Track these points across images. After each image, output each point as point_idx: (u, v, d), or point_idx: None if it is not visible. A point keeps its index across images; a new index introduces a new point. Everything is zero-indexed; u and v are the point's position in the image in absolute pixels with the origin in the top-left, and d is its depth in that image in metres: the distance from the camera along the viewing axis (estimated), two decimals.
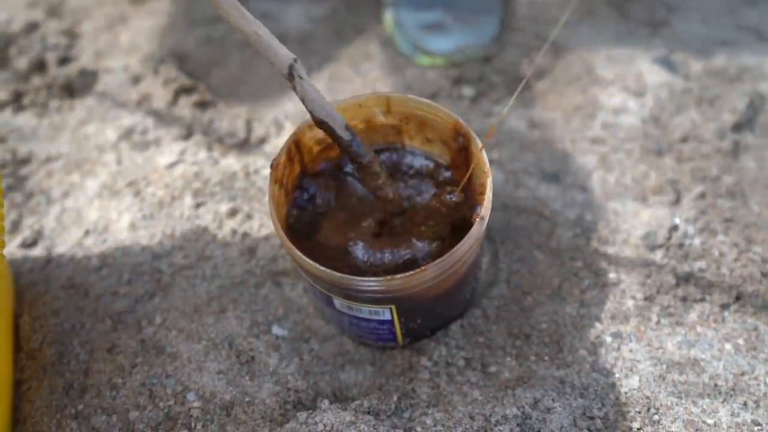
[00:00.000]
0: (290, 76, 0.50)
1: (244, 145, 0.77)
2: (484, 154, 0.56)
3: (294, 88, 0.51)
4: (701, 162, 0.72)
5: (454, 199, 0.57)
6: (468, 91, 0.81)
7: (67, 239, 0.70)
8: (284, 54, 0.49)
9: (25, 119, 0.81)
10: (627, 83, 0.79)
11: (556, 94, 0.80)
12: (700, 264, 0.64)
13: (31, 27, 0.89)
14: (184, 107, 0.80)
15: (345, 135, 0.53)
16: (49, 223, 0.72)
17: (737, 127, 0.74)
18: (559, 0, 0.89)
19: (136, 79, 0.84)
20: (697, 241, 0.66)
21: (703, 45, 0.83)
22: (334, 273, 0.51)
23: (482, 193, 0.57)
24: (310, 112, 0.52)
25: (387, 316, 0.56)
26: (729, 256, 0.64)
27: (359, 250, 0.58)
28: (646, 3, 0.88)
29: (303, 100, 0.51)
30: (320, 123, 0.52)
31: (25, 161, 0.77)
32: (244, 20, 0.48)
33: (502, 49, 0.84)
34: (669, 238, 0.66)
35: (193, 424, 0.55)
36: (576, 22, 0.87)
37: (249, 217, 0.70)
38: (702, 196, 0.69)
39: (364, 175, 0.56)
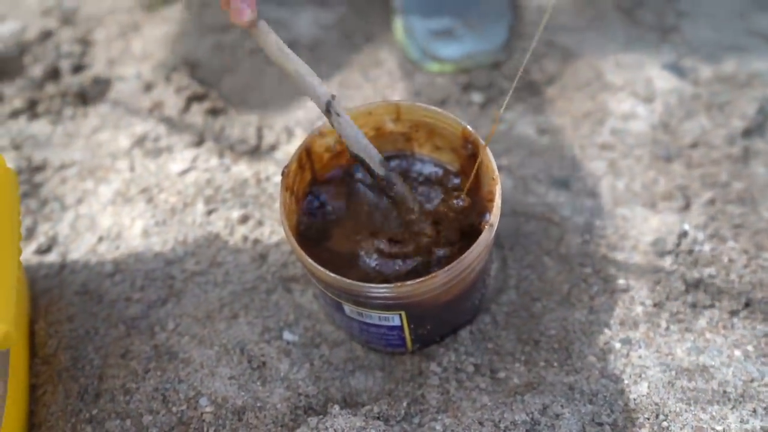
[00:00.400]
0: (328, 112, 0.52)
1: (255, 152, 0.78)
2: (493, 161, 0.56)
3: (332, 124, 0.53)
4: (711, 168, 0.72)
5: (461, 203, 0.57)
6: (477, 97, 0.82)
7: (80, 245, 0.71)
8: (323, 92, 0.51)
9: (40, 127, 0.82)
10: (636, 89, 0.79)
11: (565, 100, 0.80)
12: (710, 270, 0.64)
13: (46, 35, 0.90)
14: (196, 114, 0.81)
15: (380, 171, 0.55)
16: (63, 230, 0.73)
17: (747, 133, 0.75)
18: (567, 6, 0.90)
19: (148, 87, 0.85)
20: (706, 248, 0.66)
21: (713, 50, 0.83)
22: (344, 280, 0.52)
23: (491, 200, 0.58)
24: (347, 147, 0.54)
25: (396, 322, 0.57)
26: (738, 262, 0.64)
27: (369, 257, 0.58)
28: (656, 8, 0.88)
29: (340, 135, 0.53)
30: (356, 157, 0.54)
31: (39, 168, 0.78)
32: (287, 59, 0.50)
33: (511, 55, 0.84)
34: (678, 245, 0.66)
35: (205, 429, 0.56)
36: (585, 28, 0.87)
37: (260, 223, 0.71)
38: (711, 202, 0.69)
39: (399, 208, 0.57)
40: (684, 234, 0.67)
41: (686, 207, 0.69)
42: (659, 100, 0.78)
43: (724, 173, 0.71)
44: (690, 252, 0.66)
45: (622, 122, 0.77)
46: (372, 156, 0.55)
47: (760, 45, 0.83)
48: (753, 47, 0.83)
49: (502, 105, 0.55)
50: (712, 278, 0.64)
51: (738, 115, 0.76)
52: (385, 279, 0.57)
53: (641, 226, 0.68)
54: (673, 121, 0.76)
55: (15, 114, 0.83)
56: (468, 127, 0.58)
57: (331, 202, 0.62)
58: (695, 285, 0.64)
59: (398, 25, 0.88)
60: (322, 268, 0.53)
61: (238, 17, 0.47)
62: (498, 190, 0.55)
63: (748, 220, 0.67)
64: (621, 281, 0.65)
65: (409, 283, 0.52)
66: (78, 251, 0.71)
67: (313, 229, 0.61)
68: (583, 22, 0.88)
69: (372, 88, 0.84)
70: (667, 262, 0.65)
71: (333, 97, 0.52)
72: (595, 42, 0.85)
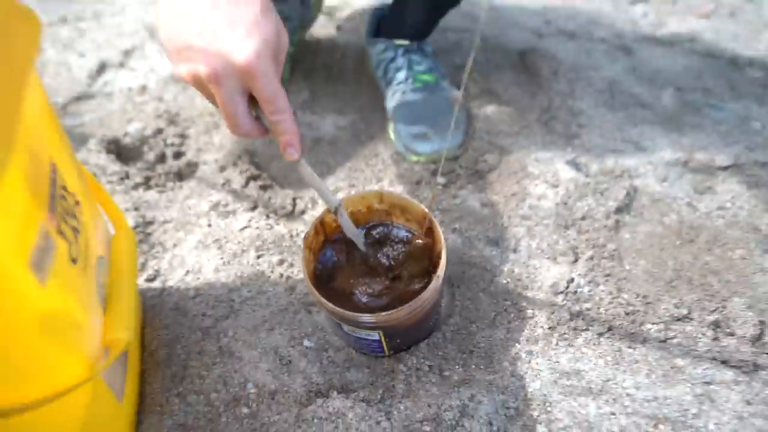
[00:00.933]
0: (335, 212, 0.60)
1: (291, 215, 0.83)
2: (440, 232, 0.62)
3: (335, 219, 0.61)
4: (593, 234, 0.76)
5: (420, 243, 0.63)
6: (442, 180, 0.87)
7: (174, 276, 0.76)
8: (334, 200, 0.59)
9: (151, 195, 0.87)
10: (547, 178, 0.84)
11: (500, 183, 0.85)
12: (587, 305, 0.69)
13: (157, 131, 0.96)
14: (253, 189, 0.86)
15: (363, 248, 0.63)
16: (164, 265, 0.78)
17: (618, 210, 0.79)
18: (505, 118, 0.95)
19: (222, 168, 0.90)
20: (585, 290, 0.70)
21: (600, 152, 0.88)
22: (342, 311, 0.57)
23: (440, 258, 0.64)
24: (344, 233, 0.62)
25: (376, 337, 0.61)
26: (605, 300, 0.69)
27: (361, 294, 0.64)
28: (564, 121, 0.93)
29: (341, 225, 0.62)
30: (348, 240, 0.62)
31: (150, 223, 0.84)
32: (315, 181, 0.57)
33: (465, 151, 0.89)
34: (567, 287, 0.71)
35: (251, 404, 0.61)
36: (516, 134, 0.93)
37: (291, 265, 0.76)
38: (591, 258, 0.74)
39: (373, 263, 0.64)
40: (572, 280, 0.71)
41: (575, 261, 0.74)
42: (562, 185, 0.83)
43: (602, 238, 0.76)
44: (575, 292, 0.70)
45: (537, 200, 0.82)
46: (359, 239, 0.62)
47: (631, 149, 0.88)
48: (626, 150, 0.88)
49: (437, 172, 0.61)
50: (588, 311, 0.68)
51: (613, 197, 0.80)
52: (371, 309, 0.62)
53: (545, 274, 0.73)
54: (570, 201, 0.81)
55: (136, 186, 0.88)
56: (426, 209, 0.65)
57: (337, 255, 0.67)
58: (577, 315, 0.68)
59: (390, 129, 0.94)
60: (327, 302, 0.58)
61: (290, 157, 0.54)
62: (443, 252, 0.61)
63: (614, 271, 0.72)
64: (529, 311, 0.69)
65: (383, 314, 0.57)
66: (173, 280, 0.75)
67: (324, 273, 0.65)
68: (515, 129, 0.93)
69: (371, 172, 0.89)
70: (560, 299, 0.70)
71: (340, 203, 0.59)
72: (522, 143, 0.90)
